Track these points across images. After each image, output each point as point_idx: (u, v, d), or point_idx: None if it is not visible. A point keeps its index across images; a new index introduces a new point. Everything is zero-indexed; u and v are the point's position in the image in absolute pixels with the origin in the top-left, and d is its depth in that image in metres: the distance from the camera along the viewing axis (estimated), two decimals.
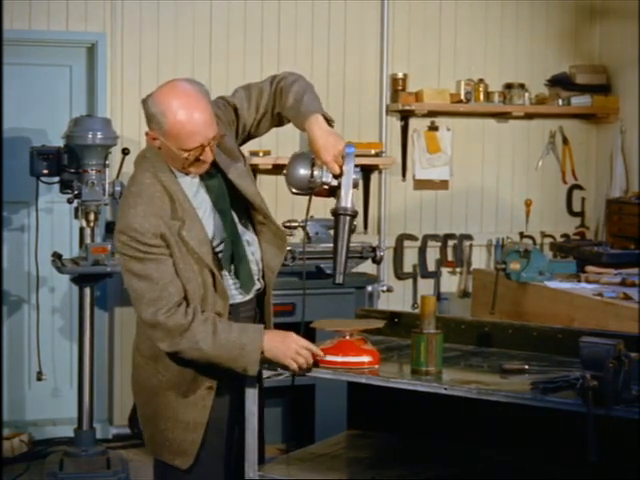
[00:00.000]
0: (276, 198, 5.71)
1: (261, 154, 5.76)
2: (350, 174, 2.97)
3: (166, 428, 3.04)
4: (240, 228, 3.02)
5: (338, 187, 2.95)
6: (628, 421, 2.47)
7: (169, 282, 2.87)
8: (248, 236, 3.05)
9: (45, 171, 5.04)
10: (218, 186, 2.98)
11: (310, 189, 2.95)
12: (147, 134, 2.88)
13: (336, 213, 2.93)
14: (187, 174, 2.93)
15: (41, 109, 5.75)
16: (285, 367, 2.90)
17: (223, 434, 3.04)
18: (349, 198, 2.95)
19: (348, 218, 2.93)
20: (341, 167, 2.99)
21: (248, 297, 3.06)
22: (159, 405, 3.09)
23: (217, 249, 2.97)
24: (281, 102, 3.07)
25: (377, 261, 5.54)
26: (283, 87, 3.08)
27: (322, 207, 5.96)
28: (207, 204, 2.97)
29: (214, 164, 2.94)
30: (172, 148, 2.83)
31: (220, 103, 3.14)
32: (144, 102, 2.87)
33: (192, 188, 2.95)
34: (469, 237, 6.40)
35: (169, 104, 2.80)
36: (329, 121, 3.01)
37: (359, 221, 6.06)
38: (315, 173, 2.93)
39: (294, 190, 2.97)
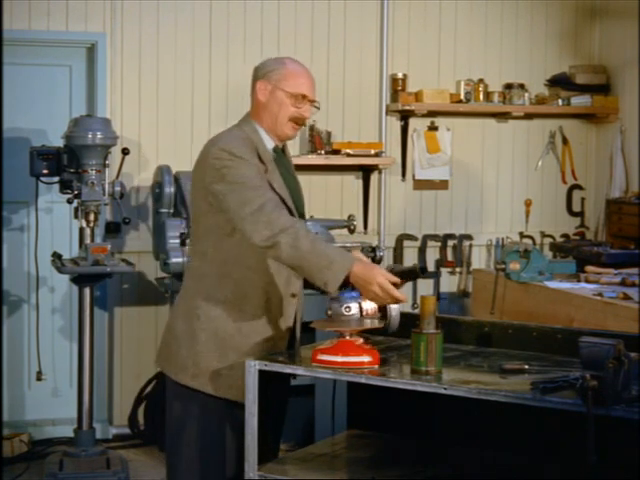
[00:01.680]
0: None
1: None
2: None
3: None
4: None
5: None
6: (628, 421, 2.47)
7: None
8: None
9: (45, 171, 5.04)
10: (289, 176, 3.25)
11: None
12: (259, 84, 3.21)
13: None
14: (279, 138, 3.22)
15: (41, 109, 5.74)
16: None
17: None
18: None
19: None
20: None
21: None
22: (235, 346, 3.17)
23: None
24: None
25: (377, 261, 5.53)
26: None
27: (322, 207, 5.98)
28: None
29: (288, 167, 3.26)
30: (281, 93, 3.17)
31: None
32: (260, 63, 3.29)
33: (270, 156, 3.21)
34: (469, 237, 6.39)
35: (288, 59, 3.30)
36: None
37: (359, 221, 6.06)
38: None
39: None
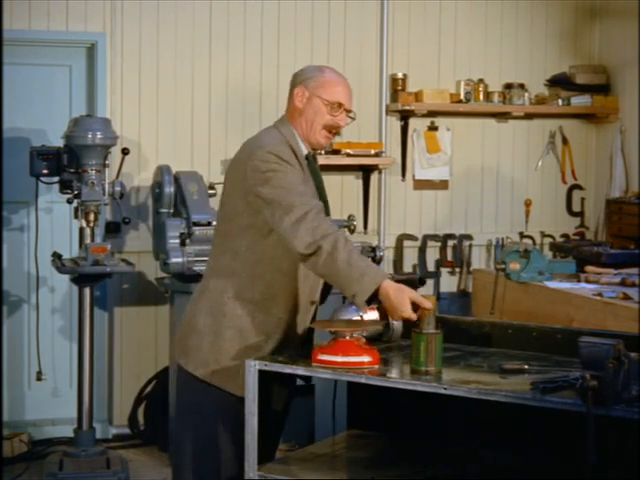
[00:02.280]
0: None
1: None
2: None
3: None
4: None
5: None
6: (628, 421, 2.47)
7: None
8: None
9: (45, 171, 5.04)
10: (319, 184, 3.29)
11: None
12: (297, 90, 3.24)
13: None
14: (312, 145, 3.25)
15: (41, 109, 5.74)
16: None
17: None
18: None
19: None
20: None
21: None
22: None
23: None
24: None
25: (377, 261, 5.54)
26: None
27: None
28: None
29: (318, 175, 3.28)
30: (318, 100, 3.20)
31: None
32: (300, 70, 3.31)
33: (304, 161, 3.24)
34: (469, 237, 6.39)
35: (327, 69, 3.30)
36: None
37: (359, 221, 6.06)
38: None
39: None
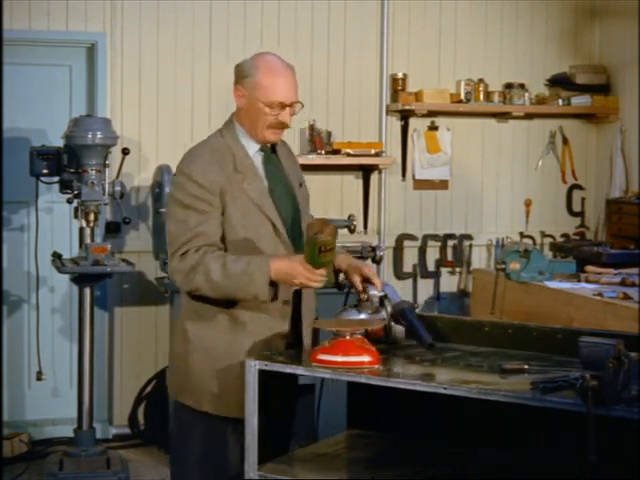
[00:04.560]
0: None
1: None
2: (387, 287, 3.21)
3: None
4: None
5: (385, 297, 3.15)
6: (628, 421, 2.47)
7: (196, 230, 3.04)
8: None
9: (45, 171, 5.04)
10: (278, 178, 3.20)
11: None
12: (235, 90, 3.18)
13: (401, 309, 3.11)
14: (259, 144, 3.16)
15: (41, 109, 5.75)
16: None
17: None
18: (398, 297, 3.19)
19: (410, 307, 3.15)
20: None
21: None
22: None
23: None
24: None
25: (377, 261, 5.54)
26: None
27: (322, 207, 5.97)
28: (265, 182, 3.17)
29: (281, 170, 3.20)
30: (257, 102, 3.10)
31: None
32: (238, 64, 3.21)
33: (255, 160, 3.17)
34: (469, 237, 6.40)
35: (263, 62, 3.17)
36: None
37: (359, 221, 6.06)
38: (371, 293, 3.16)
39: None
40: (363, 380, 2.83)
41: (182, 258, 3.03)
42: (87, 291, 5.08)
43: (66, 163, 5.05)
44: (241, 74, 3.17)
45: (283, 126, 3.16)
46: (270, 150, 3.23)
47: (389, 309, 3.12)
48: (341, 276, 3.26)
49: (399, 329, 3.18)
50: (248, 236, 3.08)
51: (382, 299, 3.13)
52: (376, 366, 2.88)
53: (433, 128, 6.31)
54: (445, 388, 2.70)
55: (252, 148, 3.18)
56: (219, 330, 3.12)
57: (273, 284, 3.01)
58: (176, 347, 3.24)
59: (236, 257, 3.01)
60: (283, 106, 3.11)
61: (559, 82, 6.44)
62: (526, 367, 2.87)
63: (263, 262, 3.00)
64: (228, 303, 3.09)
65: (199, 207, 3.05)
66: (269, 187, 3.16)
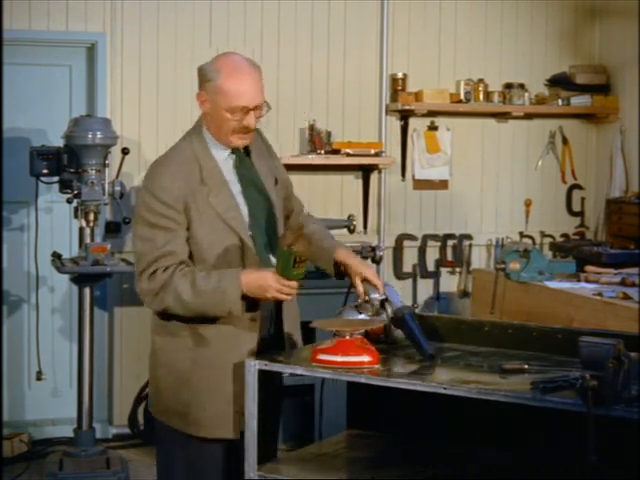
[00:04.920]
0: None
1: None
2: (387, 288, 3.18)
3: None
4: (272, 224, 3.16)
5: (386, 300, 3.12)
6: (628, 421, 2.47)
7: (163, 249, 2.98)
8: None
9: (45, 171, 5.04)
10: (251, 180, 3.12)
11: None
12: (198, 95, 3.07)
13: (402, 316, 3.07)
14: (229, 148, 3.08)
15: (41, 109, 5.75)
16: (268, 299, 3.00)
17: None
18: (399, 300, 3.15)
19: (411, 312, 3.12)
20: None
21: None
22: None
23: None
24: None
25: (377, 261, 5.55)
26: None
27: (322, 207, 5.97)
28: (237, 187, 3.10)
29: (254, 173, 3.13)
30: (220, 108, 3.01)
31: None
32: (200, 67, 3.09)
33: (226, 165, 3.09)
34: (469, 237, 6.40)
35: (225, 64, 3.04)
36: None
37: (359, 221, 6.06)
38: (372, 296, 3.13)
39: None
40: (363, 380, 2.83)
41: (150, 278, 2.98)
42: (87, 291, 5.08)
43: (66, 163, 5.05)
44: (203, 78, 3.07)
45: (248, 130, 3.05)
46: (243, 152, 3.15)
47: (390, 313, 3.12)
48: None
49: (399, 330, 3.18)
50: (215, 252, 3.02)
51: (383, 302, 3.13)
52: (376, 366, 2.88)
53: (433, 128, 6.31)
54: (445, 388, 2.70)
55: (222, 154, 3.10)
56: (183, 346, 3.08)
57: (245, 297, 2.97)
58: (149, 359, 3.22)
59: (205, 274, 2.96)
60: (247, 110, 3.01)
61: (559, 82, 6.44)
62: (526, 367, 2.86)
63: (234, 277, 2.95)
64: (192, 319, 3.05)
65: (165, 225, 2.99)
66: (242, 191, 3.10)
